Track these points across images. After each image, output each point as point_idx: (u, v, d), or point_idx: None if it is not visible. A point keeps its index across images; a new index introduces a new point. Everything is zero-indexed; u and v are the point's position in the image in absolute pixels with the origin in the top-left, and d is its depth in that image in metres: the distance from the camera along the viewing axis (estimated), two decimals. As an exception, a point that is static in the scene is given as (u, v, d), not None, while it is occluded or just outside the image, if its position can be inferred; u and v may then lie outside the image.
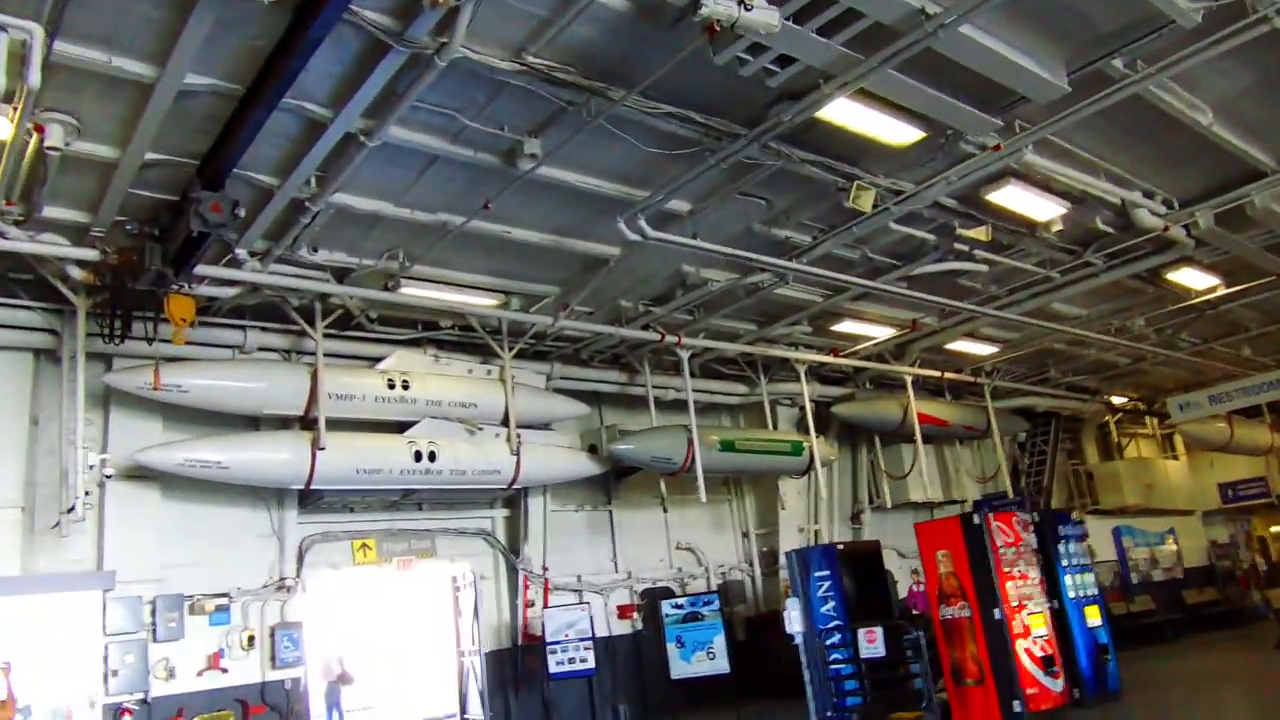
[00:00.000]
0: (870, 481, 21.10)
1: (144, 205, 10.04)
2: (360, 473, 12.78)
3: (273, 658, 12.85)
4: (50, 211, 9.97)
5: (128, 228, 10.18)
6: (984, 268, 13.66)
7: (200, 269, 10.69)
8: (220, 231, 9.20)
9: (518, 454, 14.22)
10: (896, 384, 20.24)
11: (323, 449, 12.30)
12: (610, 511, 17.99)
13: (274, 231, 10.82)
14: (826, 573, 13.78)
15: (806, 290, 14.51)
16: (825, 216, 12.01)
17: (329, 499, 13.72)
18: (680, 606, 14.92)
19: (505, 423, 14.39)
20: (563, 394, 15.97)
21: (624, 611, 17.20)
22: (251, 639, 12.68)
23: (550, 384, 15.90)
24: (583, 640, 14.73)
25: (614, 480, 17.88)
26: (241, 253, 11.01)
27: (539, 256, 12.41)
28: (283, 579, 13.49)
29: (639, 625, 17.25)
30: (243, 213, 9.66)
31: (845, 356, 17.50)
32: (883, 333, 16.83)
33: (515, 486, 14.59)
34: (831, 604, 13.60)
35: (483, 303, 13.25)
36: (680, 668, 14.65)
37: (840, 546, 14.40)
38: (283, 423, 12.89)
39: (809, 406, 17.00)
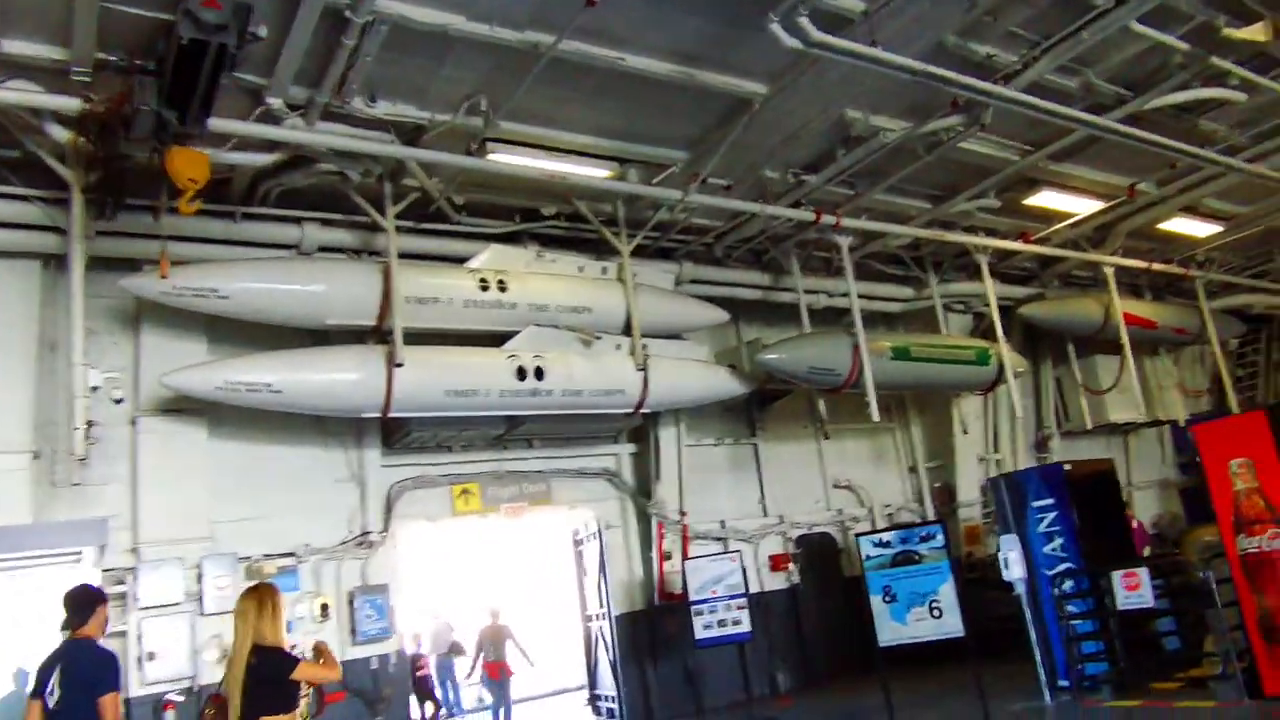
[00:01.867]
0: (1058, 401, 17.61)
1: (131, 30, 7.36)
2: (451, 395, 10.05)
3: (353, 630, 10.27)
4: (12, 46, 7.43)
5: (115, 61, 7.50)
6: (1241, 96, 10.25)
7: (222, 124, 8.02)
8: (222, 39, 6.47)
9: (644, 368, 11.34)
10: (1086, 283, 16.77)
11: (400, 365, 9.60)
12: (755, 445, 15.03)
13: (314, 71, 8.08)
14: (1050, 501, 10.57)
15: (1000, 144, 11.21)
16: (1042, 20, 8.76)
17: (418, 434, 11.06)
18: (886, 544, 10.80)
19: (628, 331, 11.50)
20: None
21: (777, 562, 14.27)
22: (325, 608, 10.11)
23: (679, 288, 12.89)
24: (734, 598, 11.80)
25: (757, 408, 14.94)
26: (275, 103, 8.27)
27: (662, 101, 9.41)
28: (365, 533, 10.90)
29: (795, 578, 14.32)
30: (263, 31, 6.93)
31: (1036, 243, 14.03)
32: (1087, 206, 13.31)
33: (643, 410, 11.69)
34: (1058, 542, 10.40)
35: (593, 173, 10.27)
36: (892, 630, 10.44)
37: (1068, 467, 10.96)
38: (357, 338, 10.20)
39: (995, 305, 13.63)
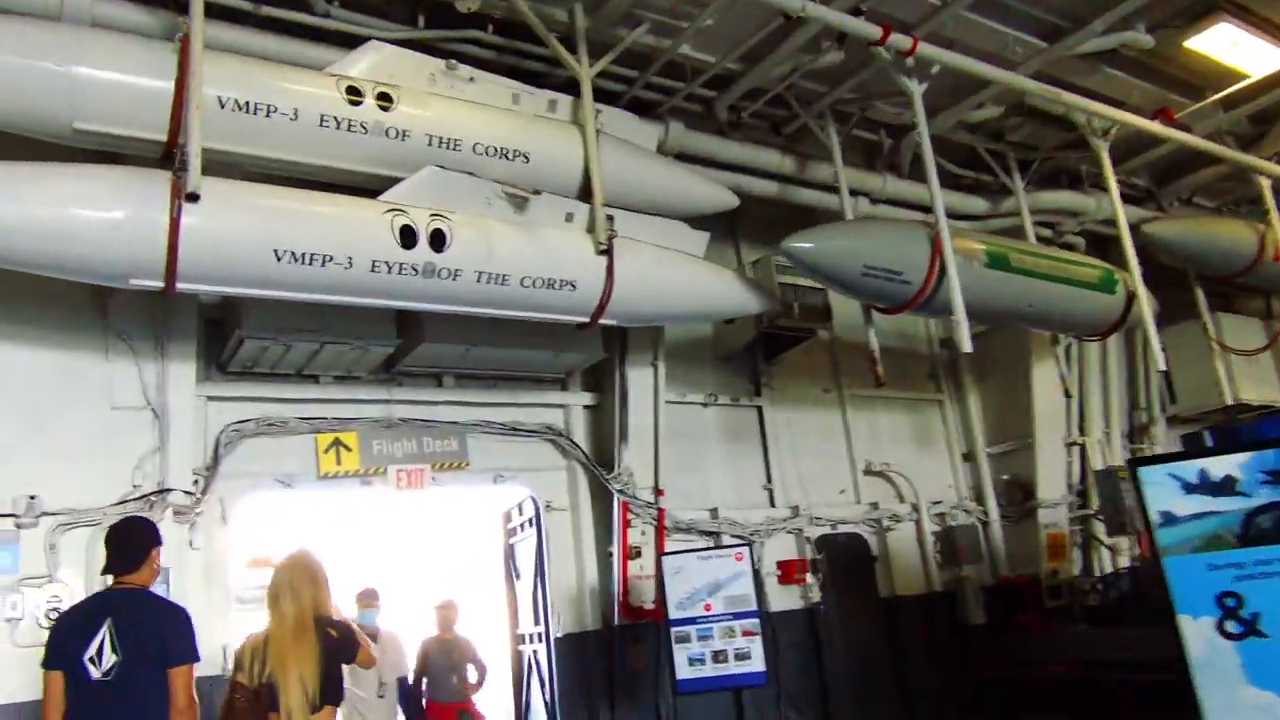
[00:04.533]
0: (1162, 379, 14.12)
1: None
2: (287, 260, 6.47)
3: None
4: None
5: None
6: None
7: None
8: None
9: (609, 251, 7.79)
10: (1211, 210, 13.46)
11: (193, 198, 6.06)
12: (759, 409, 11.58)
13: None
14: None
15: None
16: None
17: (256, 341, 7.64)
18: (1222, 487, 5.25)
19: (584, 197, 8.00)
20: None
21: (790, 572, 10.76)
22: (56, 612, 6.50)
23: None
24: (741, 617, 8.29)
25: (763, 358, 11.50)
26: None
27: None
28: (160, 491, 7.33)
29: (815, 595, 10.82)
30: None
31: (1178, 128, 10.53)
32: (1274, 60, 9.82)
33: (604, 319, 8.10)
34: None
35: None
36: (1248, 698, 5.06)
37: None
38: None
39: (1120, 209, 10.07)
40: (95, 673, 4.60)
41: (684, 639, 8.31)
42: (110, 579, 5.04)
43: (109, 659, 4.62)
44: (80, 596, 6.46)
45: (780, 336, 10.96)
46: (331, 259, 6.56)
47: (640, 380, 9.86)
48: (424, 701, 9.85)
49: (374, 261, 6.72)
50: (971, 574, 12.07)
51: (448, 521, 11.77)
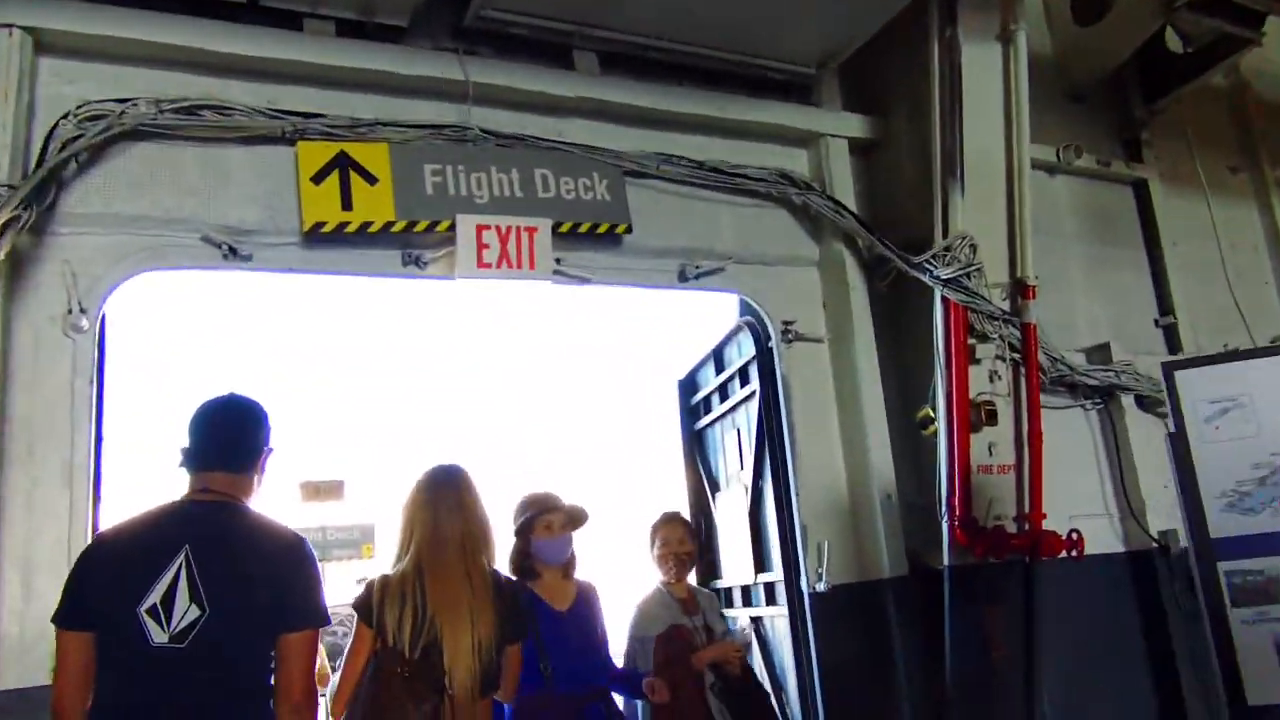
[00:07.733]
0: None
1: None
2: None
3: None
4: None
5: None
6: None
7: None
8: None
9: None
10: None
11: None
12: (1140, 185, 6.27)
13: None
14: None
15: None
16: None
17: None
18: None
19: None
20: None
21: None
22: None
23: None
24: None
25: (1141, 99, 6.27)
26: None
27: None
28: None
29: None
30: None
31: None
32: None
33: None
34: None
35: None
36: None
37: None
38: None
39: None
40: (158, 634, 2.24)
41: (1252, 592, 2.98)
42: (188, 484, 2.47)
43: (184, 612, 2.27)
44: None
45: (1172, 58, 5.80)
46: None
47: (982, 62, 4.65)
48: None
49: None
50: None
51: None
